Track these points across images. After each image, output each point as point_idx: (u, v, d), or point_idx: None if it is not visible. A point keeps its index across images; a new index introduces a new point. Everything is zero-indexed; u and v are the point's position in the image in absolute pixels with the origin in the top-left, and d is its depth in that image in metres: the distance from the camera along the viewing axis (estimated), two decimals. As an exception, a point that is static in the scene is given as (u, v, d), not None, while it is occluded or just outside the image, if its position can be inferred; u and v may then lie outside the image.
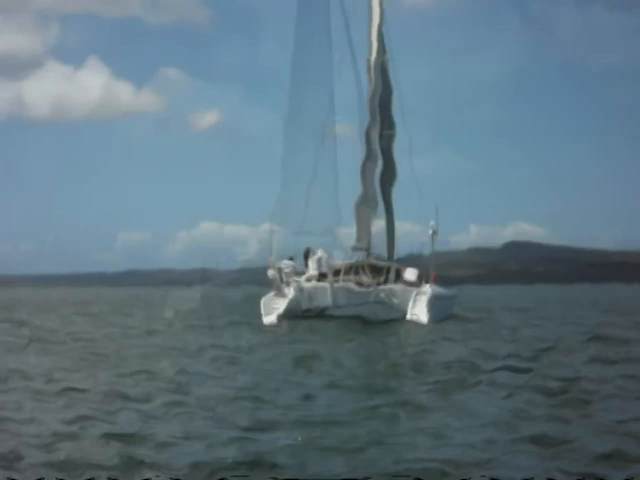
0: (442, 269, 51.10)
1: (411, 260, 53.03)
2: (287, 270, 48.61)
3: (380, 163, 51.97)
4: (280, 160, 50.23)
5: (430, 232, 50.06)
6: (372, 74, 50.70)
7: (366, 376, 23.47)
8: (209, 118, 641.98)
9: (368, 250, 50.82)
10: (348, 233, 51.68)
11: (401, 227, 54.25)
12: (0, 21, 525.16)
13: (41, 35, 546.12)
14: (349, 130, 53.11)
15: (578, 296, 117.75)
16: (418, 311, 46.20)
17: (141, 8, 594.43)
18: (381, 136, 51.46)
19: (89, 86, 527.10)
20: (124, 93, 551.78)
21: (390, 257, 51.93)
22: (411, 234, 55.47)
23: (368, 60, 51.06)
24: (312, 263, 49.18)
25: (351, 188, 51.20)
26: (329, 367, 25.32)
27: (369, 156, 50.94)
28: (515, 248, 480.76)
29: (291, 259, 49.71)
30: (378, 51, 50.84)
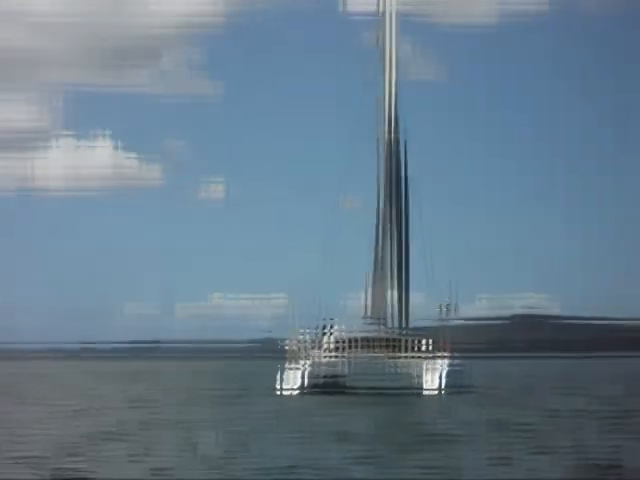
0: (442, 339, 51.47)
1: (425, 331, 54.06)
2: (306, 343, 49.57)
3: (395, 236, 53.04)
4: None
5: (444, 305, 51.02)
6: (386, 155, 51.99)
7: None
8: (218, 191, 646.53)
9: (384, 322, 51.77)
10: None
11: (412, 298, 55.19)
12: (7, 94, 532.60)
13: (48, 108, 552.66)
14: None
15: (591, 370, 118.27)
16: (432, 383, 46.89)
17: (149, 81, 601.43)
18: (396, 211, 52.65)
19: (96, 160, 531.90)
20: (132, 165, 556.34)
21: (404, 328, 52.80)
22: (421, 305, 56.34)
23: (378, 139, 52.45)
24: (328, 337, 50.08)
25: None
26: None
27: (383, 232, 52.01)
28: (524, 320, 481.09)
29: (308, 330, 50.46)
30: (390, 131, 52.17)
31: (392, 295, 52.86)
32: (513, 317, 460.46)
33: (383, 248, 52.09)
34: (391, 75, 52.63)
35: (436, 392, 46.26)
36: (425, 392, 46.59)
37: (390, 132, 52.26)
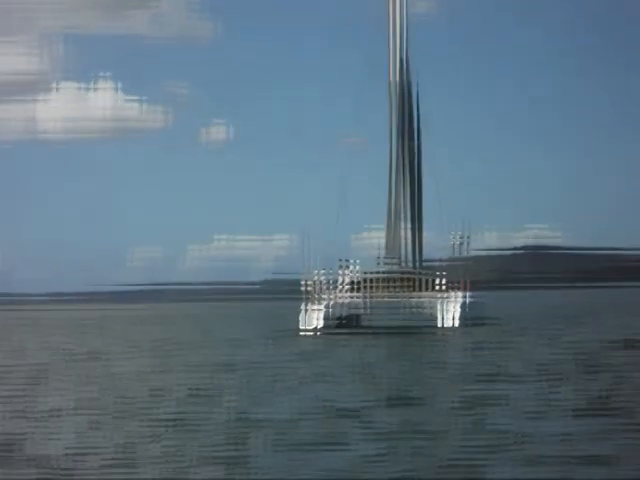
0: (454, 275, 52.41)
1: (439, 267, 55.19)
2: (323, 282, 50.67)
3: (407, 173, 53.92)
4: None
5: (458, 240, 52.06)
6: (395, 93, 52.64)
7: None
8: (218, 133, 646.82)
9: (399, 261, 52.80)
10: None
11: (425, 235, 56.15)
12: (5, 42, 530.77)
13: (46, 55, 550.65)
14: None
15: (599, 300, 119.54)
16: (448, 318, 47.97)
17: (146, 24, 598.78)
18: (406, 148, 53.42)
19: (97, 104, 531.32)
20: (132, 110, 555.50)
21: (418, 265, 53.83)
22: (434, 242, 57.36)
23: (388, 82, 53.06)
24: (345, 275, 51.08)
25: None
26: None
27: (396, 171, 52.82)
28: (529, 252, 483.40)
29: (324, 270, 51.61)
30: (401, 69, 52.78)
31: (406, 234, 53.83)
32: (520, 248, 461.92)
33: (396, 188, 52.90)
34: (400, 15, 53.00)
35: (452, 327, 47.22)
36: (441, 327, 47.55)
37: (401, 73, 52.81)
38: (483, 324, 50.65)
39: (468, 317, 48.70)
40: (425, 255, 55.31)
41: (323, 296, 50.32)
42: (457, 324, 47.47)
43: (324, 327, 48.62)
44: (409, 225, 54.08)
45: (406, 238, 54.09)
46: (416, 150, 54.04)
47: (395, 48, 52.81)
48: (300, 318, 49.69)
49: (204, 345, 43.43)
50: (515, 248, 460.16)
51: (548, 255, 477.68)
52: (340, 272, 51.55)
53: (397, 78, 52.90)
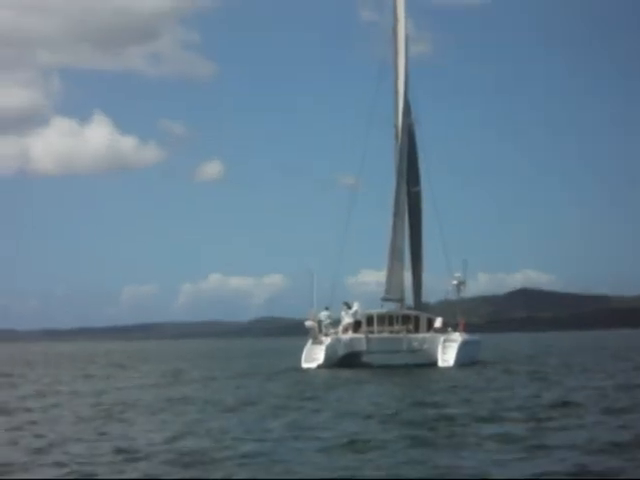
0: (450, 316, 53.90)
1: (438, 308, 56.81)
2: (327, 321, 52.16)
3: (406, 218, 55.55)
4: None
5: (455, 282, 53.62)
6: (399, 136, 54.31)
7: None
8: (212, 170, 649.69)
9: (401, 301, 54.18)
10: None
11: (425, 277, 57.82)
12: (3, 76, 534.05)
13: (44, 90, 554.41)
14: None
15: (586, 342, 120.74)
16: (448, 357, 49.16)
17: (143, 62, 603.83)
18: (409, 193, 55.18)
19: (93, 140, 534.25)
20: (127, 146, 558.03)
21: (417, 307, 55.24)
22: (431, 284, 59.00)
23: (395, 126, 54.77)
24: (347, 316, 52.49)
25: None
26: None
27: (397, 212, 54.33)
28: (523, 295, 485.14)
29: (327, 309, 53.15)
30: (404, 115, 54.46)
31: (406, 275, 55.40)
32: (513, 291, 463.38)
33: (398, 231, 54.38)
34: (404, 58, 54.63)
35: (451, 366, 48.36)
36: (440, 366, 48.71)
37: (404, 117, 54.49)
38: (478, 363, 52.19)
39: (466, 357, 50.02)
40: (424, 296, 56.82)
41: (325, 334, 51.67)
42: (454, 363, 48.58)
43: (325, 364, 49.72)
44: (410, 267, 55.57)
45: (406, 279, 55.60)
46: (419, 194, 55.74)
47: (399, 92, 54.40)
48: (303, 355, 50.90)
49: (214, 380, 44.53)
50: (508, 291, 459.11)
51: (540, 297, 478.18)
52: (343, 312, 52.96)
53: (400, 122, 54.42)
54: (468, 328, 54.20)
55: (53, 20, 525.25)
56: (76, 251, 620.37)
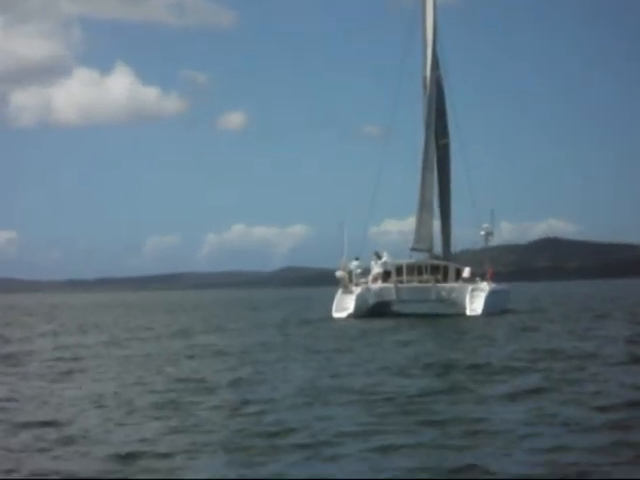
0: (477, 266, 54.70)
1: (464, 257, 57.68)
2: (357, 271, 53.13)
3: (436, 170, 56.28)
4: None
5: (483, 233, 54.41)
6: (428, 88, 54.86)
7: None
8: (235, 120, 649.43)
9: (430, 251, 55.01)
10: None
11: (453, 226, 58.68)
12: (26, 28, 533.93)
13: (66, 41, 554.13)
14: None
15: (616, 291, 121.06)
16: (476, 306, 49.98)
17: (164, 11, 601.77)
18: (437, 145, 55.86)
19: (115, 90, 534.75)
20: (150, 96, 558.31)
21: (446, 257, 56.04)
22: (460, 234, 59.91)
23: (424, 77, 55.32)
24: (377, 266, 53.40)
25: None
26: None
27: (426, 164, 55.04)
28: (547, 244, 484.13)
29: (357, 259, 54.09)
30: (432, 66, 55.00)
31: (435, 225, 56.18)
32: (538, 240, 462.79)
33: (427, 182, 55.08)
34: (433, 10, 55.05)
35: (479, 314, 49.12)
36: (469, 315, 49.49)
37: (433, 70, 55.04)
38: (508, 312, 53.04)
39: (494, 306, 50.79)
40: (453, 245, 57.72)
41: (356, 283, 52.66)
42: (482, 312, 49.33)
43: (355, 314, 50.68)
44: (439, 216, 56.35)
45: (435, 229, 56.37)
46: (447, 146, 56.39)
47: (427, 44, 54.85)
48: (334, 305, 51.89)
49: (249, 329, 45.46)
50: (533, 240, 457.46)
51: (566, 247, 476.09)
52: (373, 262, 53.85)
53: (429, 74, 54.93)
54: (496, 277, 54.96)
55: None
56: (99, 202, 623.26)
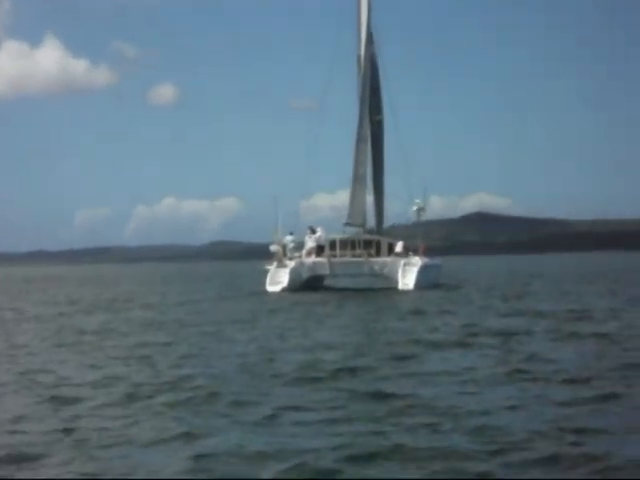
0: (406, 240, 55.56)
1: (396, 231, 58.52)
2: (291, 245, 53.73)
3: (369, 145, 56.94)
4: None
5: (415, 208, 55.20)
6: (362, 65, 55.45)
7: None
8: (166, 92, 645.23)
9: (363, 226, 55.73)
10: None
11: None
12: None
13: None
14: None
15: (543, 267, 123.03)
16: (408, 280, 50.77)
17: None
18: (371, 121, 56.52)
19: (44, 63, 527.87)
20: (79, 69, 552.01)
21: (379, 231, 56.82)
22: (392, 208, 60.76)
23: (358, 56, 55.90)
24: (310, 241, 54.03)
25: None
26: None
27: (360, 139, 55.66)
28: (477, 219, 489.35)
29: (291, 234, 54.70)
30: (367, 44, 55.58)
31: (369, 200, 56.90)
32: (468, 215, 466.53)
33: (360, 157, 55.72)
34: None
35: (411, 289, 49.88)
36: (401, 289, 50.26)
37: (367, 47, 55.63)
38: (440, 286, 54.00)
39: (426, 280, 51.59)
40: (386, 219, 58.51)
41: (290, 257, 53.26)
42: (415, 286, 50.05)
43: (289, 287, 51.25)
44: (372, 192, 57.06)
45: (369, 204, 57.06)
46: (382, 122, 57.08)
47: (362, 23, 55.40)
48: (267, 279, 52.43)
49: (184, 303, 45.82)
50: (463, 214, 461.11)
51: (495, 221, 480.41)
52: (307, 237, 54.43)
53: (363, 52, 55.50)
54: (428, 252, 55.79)
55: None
56: (28, 175, 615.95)
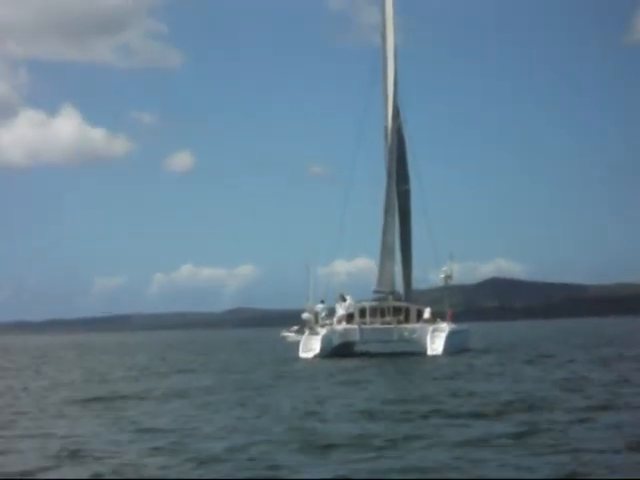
0: (439, 306, 57.18)
1: (424, 298, 60.14)
2: (323, 313, 55.33)
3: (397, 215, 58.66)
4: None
5: (442, 276, 56.85)
6: (389, 138, 57.40)
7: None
8: (182, 161, 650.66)
9: (392, 293, 57.25)
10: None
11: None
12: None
13: (12, 81, 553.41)
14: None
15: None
16: (437, 346, 52.12)
17: (112, 53, 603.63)
18: (398, 192, 58.29)
19: (62, 132, 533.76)
20: (96, 138, 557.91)
21: (408, 298, 58.29)
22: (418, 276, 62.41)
23: (385, 127, 57.88)
24: (341, 308, 55.59)
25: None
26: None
27: (388, 210, 57.42)
28: (494, 284, 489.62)
29: (322, 302, 56.29)
30: (393, 117, 57.57)
31: (397, 269, 58.55)
32: (485, 280, 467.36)
33: (389, 227, 57.43)
34: (394, 61, 57.67)
35: (440, 354, 51.17)
36: (430, 354, 51.56)
37: (394, 119, 57.64)
38: (467, 351, 55.29)
39: (454, 345, 52.94)
40: (414, 286, 60.07)
41: (322, 324, 54.82)
42: (443, 352, 51.29)
43: (321, 354, 52.62)
44: (400, 261, 58.70)
45: (397, 273, 58.70)
46: (408, 192, 58.87)
47: (388, 96, 57.42)
48: (300, 345, 53.91)
49: (227, 370, 47.01)
50: (481, 280, 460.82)
51: (512, 287, 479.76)
52: (337, 304, 55.96)
53: (390, 124, 57.47)
54: (455, 318, 57.27)
55: (21, 11, 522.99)
56: (47, 243, 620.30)
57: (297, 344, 54.89)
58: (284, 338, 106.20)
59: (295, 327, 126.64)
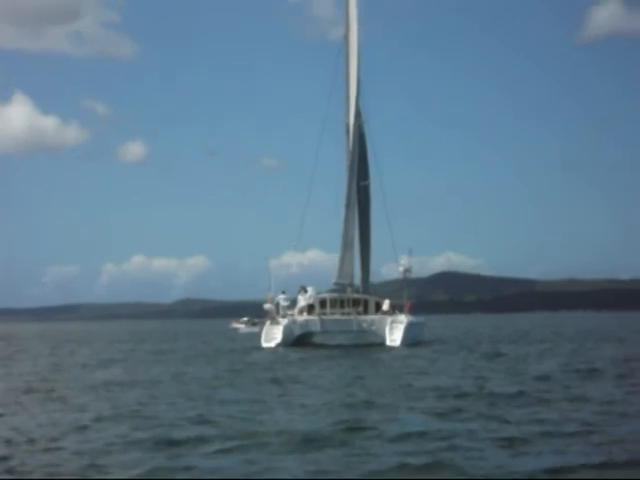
0: (398, 298, 58.80)
1: (383, 290, 61.83)
2: (284, 304, 56.80)
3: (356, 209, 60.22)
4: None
5: (402, 269, 58.45)
6: (350, 135, 58.92)
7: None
8: (135, 150, 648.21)
9: (351, 285, 58.83)
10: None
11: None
12: None
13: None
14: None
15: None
16: (395, 337, 53.72)
17: (65, 41, 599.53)
18: (358, 187, 59.84)
19: (13, 120, 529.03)
20: (49, 126, 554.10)
21: (366, 291, 59.87)
22: (380, 267, 64.00)
23: (347, 124, 59.32)
24: (303, 299, 57.04)
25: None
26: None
27: (348, 204, 58.94)
28: (445, 278, 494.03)
29: (284, 293, 57.75)
30: (355, 116, 59.04)
31: (356, 261, 60.15)
32: (437, 274, 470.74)
33: (349, 221, 59.00)
34: (356, 58, 59.03)
35: (398, 345, 52.78)
36: (388, 345, 53.18)
37: (356, 117, 59.13)
38: (423, 343, 57.03)
39: (411, 337, 54.62)
40: (372, 278, 61.73)
41: (283, 315, 56.31)
42: (401, 343, 52.87)
43: (283, 343, 54.17)
44: (359, 253, 60.28)
45: (356, 264, 60.26)
46: (368, 187, 60.43)
47: (351, 95, 58.90)
48: (262, 335, 55.42)
49: (185, 357, 48.28)
50: (432, 273, 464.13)
51: (463, 280, 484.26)
52: (299, 295, 57.40)
53: (352, 122, 58.99)
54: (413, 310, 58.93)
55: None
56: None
57: (251, 335, 56.34)
58: (234, 330, 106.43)
59: (245, 318, 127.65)
